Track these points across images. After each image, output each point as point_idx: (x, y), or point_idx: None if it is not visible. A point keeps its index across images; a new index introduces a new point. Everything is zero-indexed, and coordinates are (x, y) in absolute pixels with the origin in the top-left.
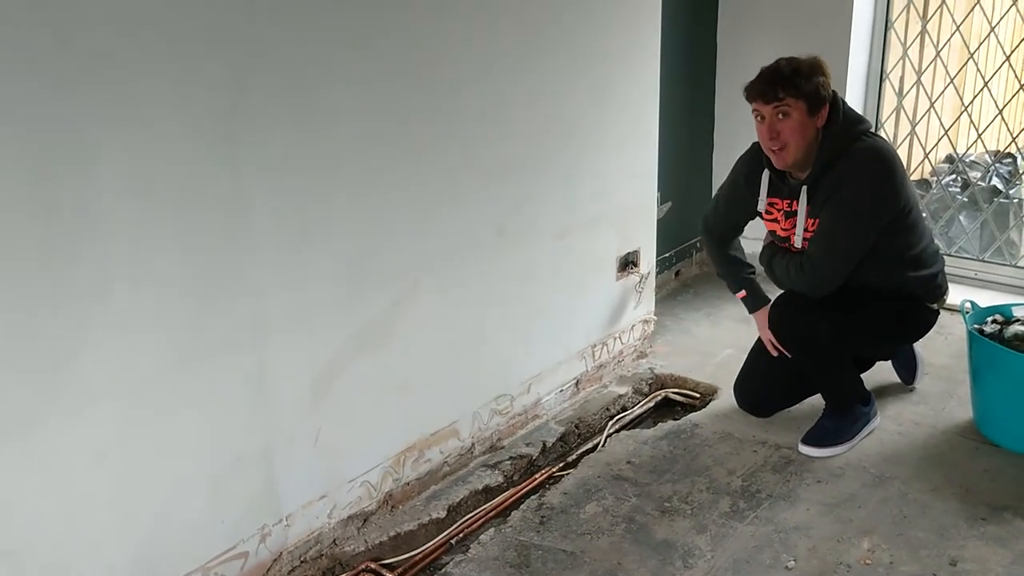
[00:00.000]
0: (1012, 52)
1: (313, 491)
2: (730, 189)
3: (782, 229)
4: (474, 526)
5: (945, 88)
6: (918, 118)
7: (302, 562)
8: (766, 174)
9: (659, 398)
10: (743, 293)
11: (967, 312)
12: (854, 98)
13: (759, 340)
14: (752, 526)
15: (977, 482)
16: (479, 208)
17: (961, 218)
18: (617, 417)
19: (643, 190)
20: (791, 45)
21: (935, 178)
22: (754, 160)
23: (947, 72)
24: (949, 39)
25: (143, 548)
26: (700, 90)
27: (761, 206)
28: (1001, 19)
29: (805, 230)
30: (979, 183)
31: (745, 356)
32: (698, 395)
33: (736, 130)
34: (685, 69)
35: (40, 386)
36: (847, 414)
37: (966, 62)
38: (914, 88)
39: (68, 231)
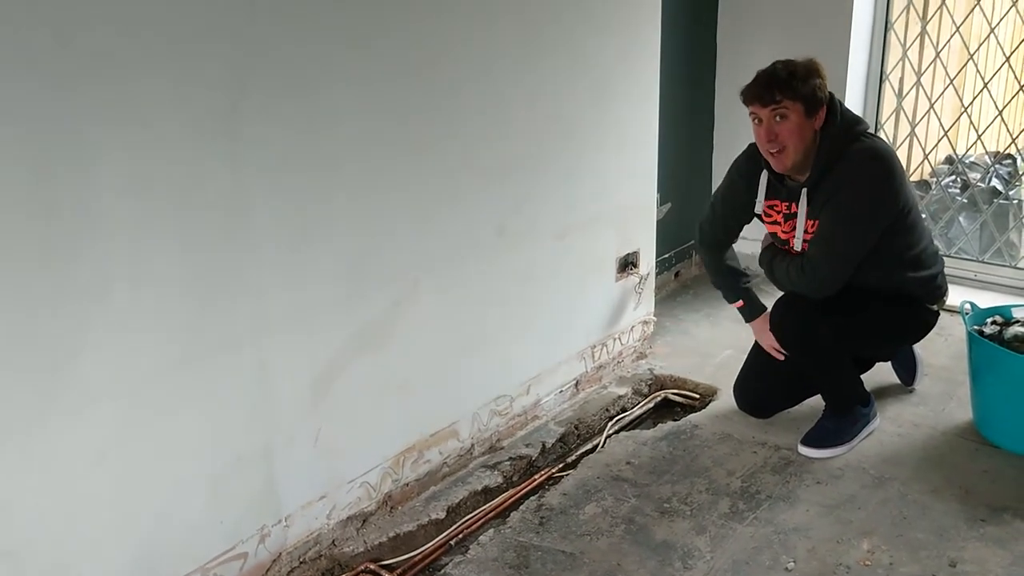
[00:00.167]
0: (1012, 53)
1: (312, 492)
2: (727, 191)
3: (783, 232)
4: (473, 527)
5: (945, 89)
6: (918, 119)
7: (301, 563)
8: (764, 175)
9: (659, 399)
10: (740, 303)
11: (967, 313)
12: (854, 99)
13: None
14: (752, 527)
15: (977, 483)
16: (479, 208)
17: (961, 219)
18: (617, 418)
19: (643, 191)
20: (791, 46)
21: (935, 179)
22: (751, 161)
23: (947, 73)
24: (949, 40)
25: (143, 548)
26: (700, 91)
27: (759, 208)
28: (1001, 20)
29: (805, 232)
30: (979, 184)
31: (745, 357)
32: (697, 396)
33: (736, 131)
34: (685, 70)
35: (40, 386)
36: (847, 415)
37: (966, 63)
38: (914, 89)
39: (68, 231)
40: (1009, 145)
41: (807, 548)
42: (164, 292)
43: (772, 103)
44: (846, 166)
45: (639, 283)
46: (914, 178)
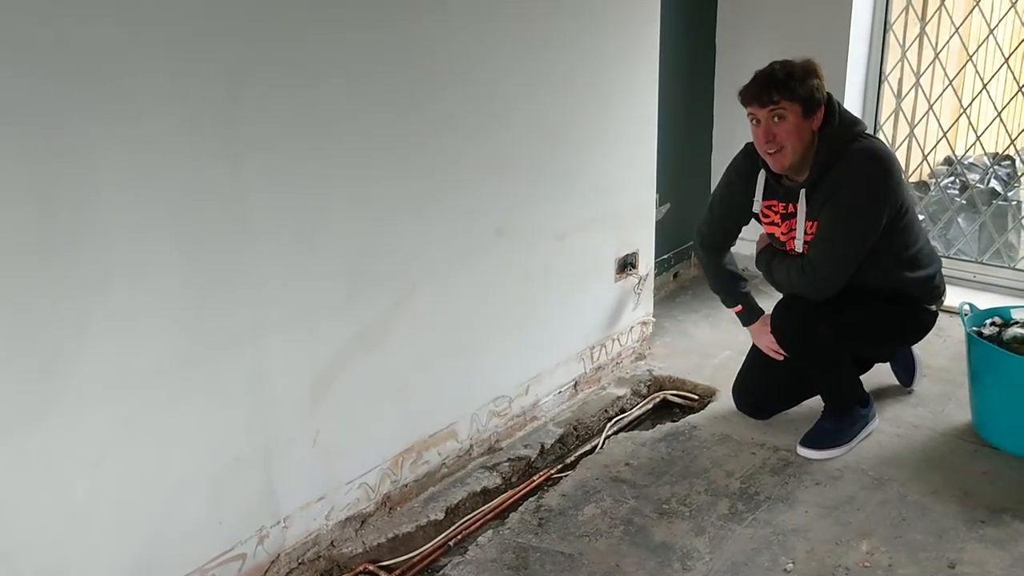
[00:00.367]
0: (1011, 54)
1: (311, 493)
2: (725, 191)
3: (781, 233)
4: (472, 528)
5: (944, 90)
6: (917, 120)
7: (300, 564)
8: (762, 175)
9: (657, 400)
10: (739, 307)
11: (966, 314)
12: (853, 100)
13: None
14: (751, 528)
15: (976, 485)
16: (478, 209)
17: (960, 220)
18: (615, 419)
19: (642, 192)
20: (790, 47)
21: (934, 180)
22: (749, 160)
23: (946, 74)
24: (948, 41)
25: (141, 549)
26: (699, 91)
27: (757, 207)
28: (1000, 21)
29: (805, 233)
30: (978, 185)
31: (743, 358)
32: (696, 397)
33: (734, 131)
34: (684, 71)
35: (38, 387)
36: (846, 416)
37: (965, 64)
38: (913, 90)
39: (66, 230)
40: (1008, 146)
41: (806, 549)
42: (163, 293)
43: (770, 104)
44: (844, 166)
45: (638, 284)
46: (913, 179)
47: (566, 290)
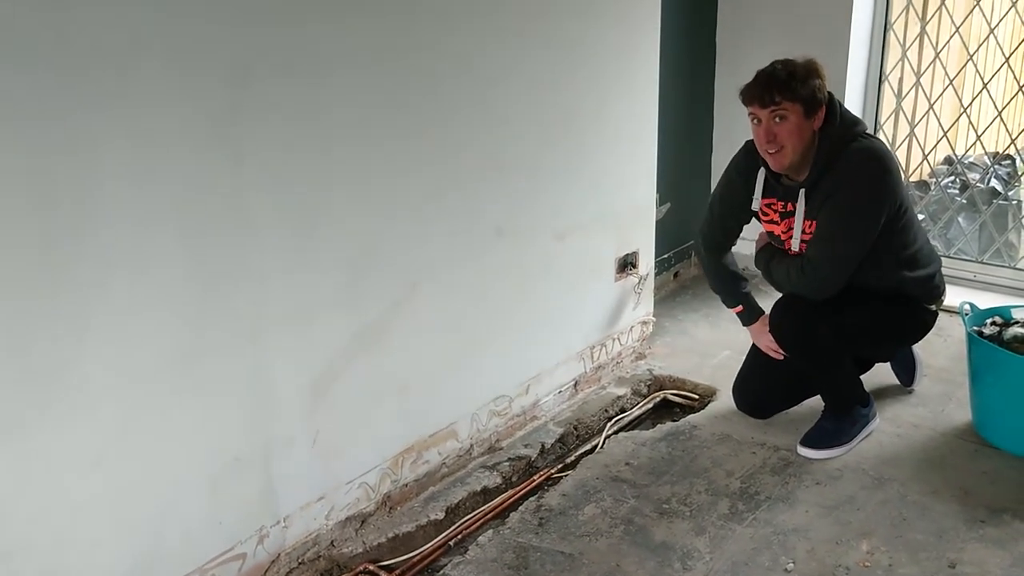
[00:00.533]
0: (1012, 54)
1: (311, 492)
2: (726, 189)
3: (780, 232)
4: (472, 528)
5: (944, 90)
6: (917, 119)
7: (300, 563)
8: (761, 173)
9: (658, 399)
10: (740, 308)
11: (966, 314)
12: (853, 99)
13: None
14: (751, 528)
15: (976, 484)
16: (478, 209)
17: (960, 220)
18: (616, 418)
19: (642, 191)
20: (791, 46)
21: (934, 180)
22: (750, 157)
23: (946, 73)
24: (949, 40)
25: (141, 549)
26: (699, 91)
27: (756, 204)
28: (1000, 20)
29: (803, 232)
30: (978, 185)
31: (743, 357)
32: (697, 396)
33: (735, 131)
34: (685, 70)
35: (38, 386)
36: (846, 416)
37: (965, 63)
38: (913, 89)
39: (67, 226)
40: (1008, 146)
41: (806, 549)
42: (163, 292)
43: (771, 104)
44: (844, 166)
45: (638, 283)
46: (913, 178)
47: (566, 289)
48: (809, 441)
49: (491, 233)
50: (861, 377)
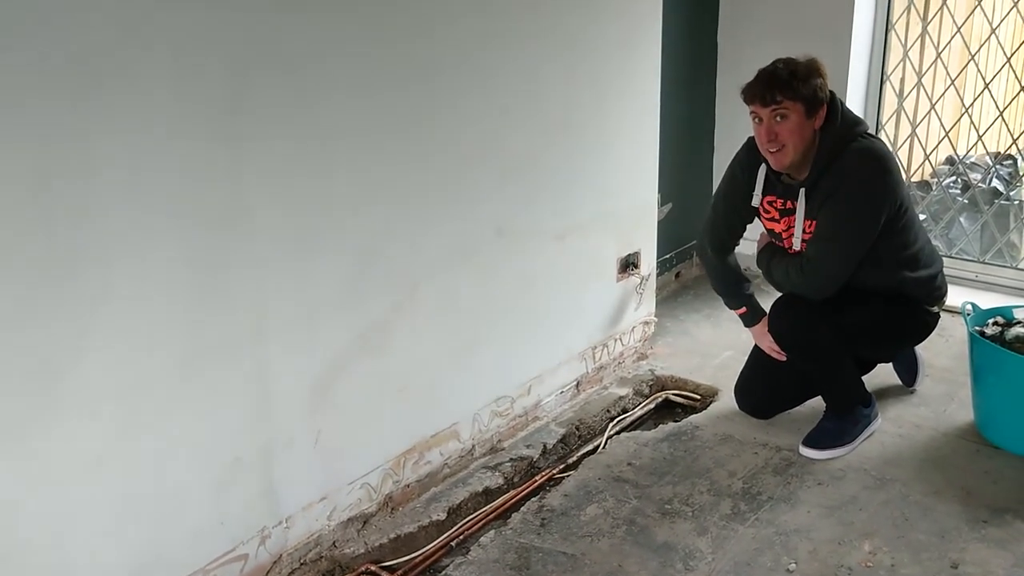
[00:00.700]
0: (1013, 54)
1: (313, 493)
2: (729, 186)
3: (781, 230)
4: (474, 528)
5: (946, 90)
6: (919, 120)
7: (302, 564)
8: (762, 169)
9: (659, 400)
10: (743, 310)
11: (968, 314)
12: (855, 100)
13: None
14: (753, 528)
15: (978, 484)
16: (478, 209)
17: (962, 220)
18: (618, 419)
19: (643, 191)
20: (792, 46)
21: (935, 180)
22: (751, 154)
23: (948, 74)
24: (950, 41)
25: (143, 550)
26: (701, 91)
27: (756, 201)
28: (1002, 21)
29: (803, 231)
30: (980, 185)
31: (745, 358)
32: (698, 397)
33: (736, 131)
34: (686, 70)
35: (40, 389)
36: (848, 416)
37: (967, 64)
38: (915, 90)
39: (68, 234)
40: (1010, 146)
41: (808, 549)
42: (164, 294)
43: (772, 103)
44: (843, 166)
45: (640, 284)
46: (915, 179)
47: (568, 290)
48: (811, 441)
49: (492, 233)
50: (863, 377)
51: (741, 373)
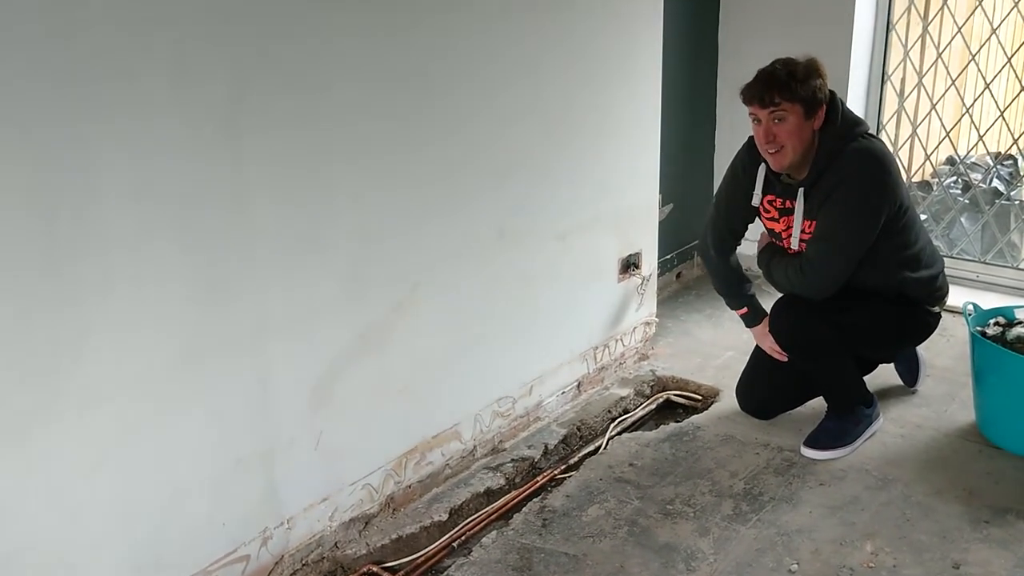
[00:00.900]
0: (1014, 54)
1: (314, 494)
2: (730, 185)
3: (781, 230)
4: (476, 529)
5: (946, 90)
6: (919, 120)
7: (303, 565)
8: (762, 168)
9: (661, 400)
10: (745, 310)
11: (969, 314)
12: (855, 100)
13: None
14: (755, 529)
15: (980, 485)
16: (479, 210)
17: (962, 220)
18: (619, 419)
19: (644, 192)
20: (793, 46)
21: (936, 180)
22: (751, 153)
23: (948, 74)
24: (951, 41)
25: (144, 551)
26: (701, 92)
27: (756, 200)
28: (1003, 21)
29: (802, 232)
30: (980, 185)
31: (747, 358)
32: (700, 397)
33: (737, 131)
34: (687, 71)
35: (41, 389)
36: (849, 416)
37: (967, 64)
38: (915, 90)
39: (69, 233)
40: (1011, 146)
41: (810, 550)
42: (165, 295)
43: (771, 105)
44: (842, 166)
45: (641, 284)
46: (916, 179)
47: (569, 290)
48: (813, 442)
49: (493, 234)
50: (864, 377)
51: (742, 373)
